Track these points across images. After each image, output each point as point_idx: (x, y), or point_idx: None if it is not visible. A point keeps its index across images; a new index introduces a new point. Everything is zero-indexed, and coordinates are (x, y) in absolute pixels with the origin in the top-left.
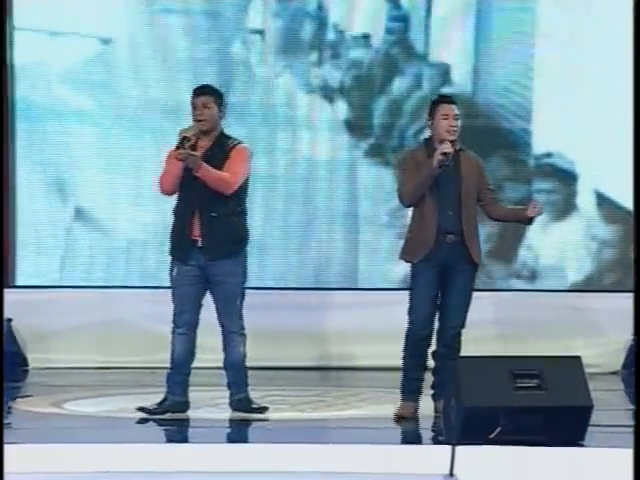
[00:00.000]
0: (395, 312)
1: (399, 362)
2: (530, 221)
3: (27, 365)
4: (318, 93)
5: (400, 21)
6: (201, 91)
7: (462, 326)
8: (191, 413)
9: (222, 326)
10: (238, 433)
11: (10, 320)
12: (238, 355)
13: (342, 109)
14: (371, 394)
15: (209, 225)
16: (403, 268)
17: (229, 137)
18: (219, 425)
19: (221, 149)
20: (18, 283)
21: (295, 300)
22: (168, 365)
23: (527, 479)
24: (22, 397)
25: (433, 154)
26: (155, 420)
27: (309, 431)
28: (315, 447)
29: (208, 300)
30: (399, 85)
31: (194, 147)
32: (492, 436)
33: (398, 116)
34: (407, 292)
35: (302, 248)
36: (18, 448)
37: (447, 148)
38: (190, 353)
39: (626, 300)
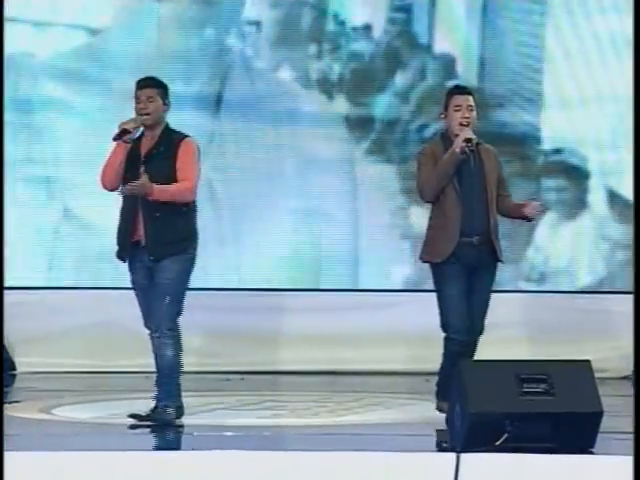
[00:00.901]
0: (397, 314)
1: (402, 366)
2: (529, 219)
3: (15, 369)
4: (317, 87)
5: (403, 11)
6: (145, 83)
7: (481, 332)
8: (185, 419)
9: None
10: (234, 440)
11: None
12: (163, 359)
13: (342, 103)
14: (373, 399)
15: (152, 225)
16: (405, 269)
17: (174, 131)
18: (214, 432)
19: (167, 145)
20: (4, 284)
21: (294, 302)
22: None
23: None
24: (10, 402)
25: (451, 148)
26: (148, 426)
27: (308, 438)
28: (315, 455)
29: (201, 302)
30: (402, 78)
31: (138, 140)
32: (498, 443)
33: (401, 111)
34: (409, 294)
35: (298, 248)
36: (5, 456)
37: (469, 133)
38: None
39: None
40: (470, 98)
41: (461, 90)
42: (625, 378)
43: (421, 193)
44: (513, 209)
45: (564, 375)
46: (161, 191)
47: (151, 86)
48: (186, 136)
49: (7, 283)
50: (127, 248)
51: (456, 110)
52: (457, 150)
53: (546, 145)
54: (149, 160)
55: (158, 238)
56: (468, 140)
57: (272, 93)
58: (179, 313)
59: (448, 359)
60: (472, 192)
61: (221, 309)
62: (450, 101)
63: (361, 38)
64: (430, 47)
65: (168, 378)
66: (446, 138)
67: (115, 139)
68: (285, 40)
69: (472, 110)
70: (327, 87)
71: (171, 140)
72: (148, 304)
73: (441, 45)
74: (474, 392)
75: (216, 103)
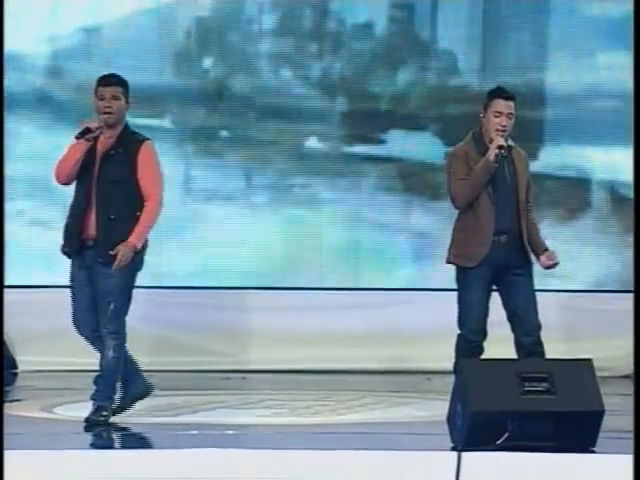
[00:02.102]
0: (398, 313)
1: (402, 365)
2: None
3: (16, 368)
4: (318, 85)
5: (404, 9)
6: (110, 80)
7: (539, 328)
8: (186, 418)
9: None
10: (235, 439)
11: None
12: (105, 360)
13: (343, 102)
14: (373, 398)
15: (106, 227)
16: (406, 269)
17: (134, 132)
18: (215, 430)
19: (126, 146)
20: (5, 283)
21: (295, 301)
22: (131, 368)
23: None
24: (11, 401)
25: (485, 150)
26: (148, 425)
27: (309, 437)
28: (315, 453)
29: (201, 301)
30: (403, 76)
31: (97, 139)
32: (499, 442)
33: (402, 109)
34: (409, 293)
35: (300, 247)
36: (6, 455)
37: (501, 140)
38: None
39: None
40: (512, 105)
41: (504, 95)
42: (626, 377)
43: (453, 201)
44: (531, 241)
45: (565, 374)
46: (140, 236)
47: (116, 84)
48: (146, 139)
49: (8, 281)
50: (75, 246)
51: (496, 116)
52: (491, 159)
53: (548, 143)
54: (106, 160)
55: (110, 241)
56: (500, 147)
57: (273, 91)
58: (124, 315)
59: (458, 355)
60: (504, 193)
61: (221, 308)
62: (491, 104)
63: (362, 36)
64: (432, 45)
65: (104, 379)
66: (479, 139)
67: (77, 137)
68: (286, 38)
69: (511, 118)
70: (328, 85)
71: (130, 142)
72: (85, 306)
73: (443, 43)
74: (475, 391)
75: (217, 102)
